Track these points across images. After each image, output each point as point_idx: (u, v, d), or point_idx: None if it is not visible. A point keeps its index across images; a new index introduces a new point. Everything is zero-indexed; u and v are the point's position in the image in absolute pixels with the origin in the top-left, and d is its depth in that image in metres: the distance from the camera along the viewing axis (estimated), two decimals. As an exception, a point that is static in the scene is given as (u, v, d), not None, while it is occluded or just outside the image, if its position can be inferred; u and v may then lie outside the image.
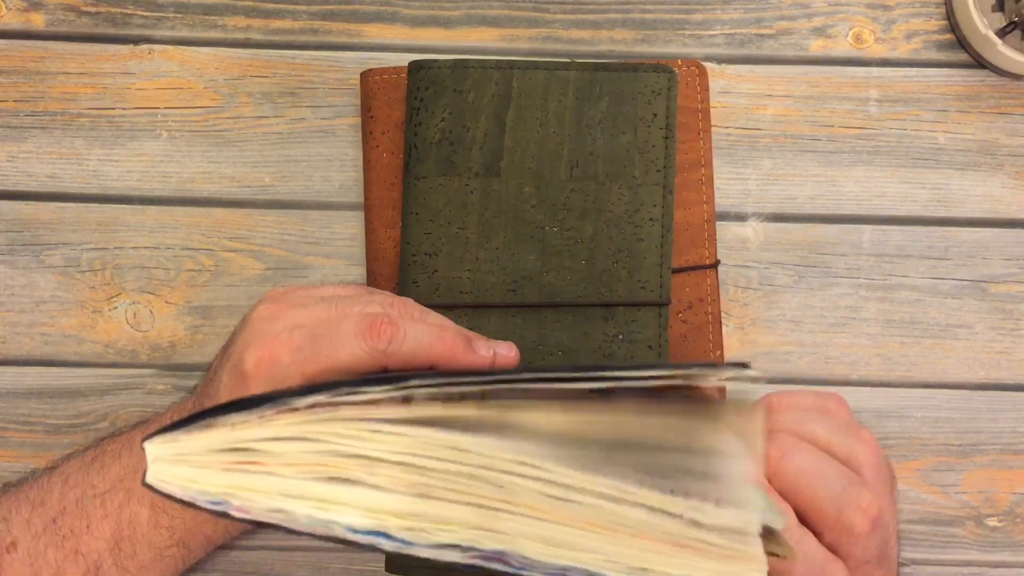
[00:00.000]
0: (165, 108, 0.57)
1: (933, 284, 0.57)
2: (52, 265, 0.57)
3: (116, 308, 0.57)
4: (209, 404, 0.46)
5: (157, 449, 0.33)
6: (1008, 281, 0.57)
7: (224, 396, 0.45)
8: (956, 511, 0.56)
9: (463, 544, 0.33)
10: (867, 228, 0.57)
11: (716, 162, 0.57)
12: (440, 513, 0.33)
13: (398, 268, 0.54)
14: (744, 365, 0.33)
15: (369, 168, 0.56)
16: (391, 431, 0.33)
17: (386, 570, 0.52)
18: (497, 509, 0.33)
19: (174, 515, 0.47)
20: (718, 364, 0.33)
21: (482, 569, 0.33)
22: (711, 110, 0.57)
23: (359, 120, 0.57)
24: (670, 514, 0.33)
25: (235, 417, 0.33)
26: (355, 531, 0.33)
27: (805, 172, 0.57)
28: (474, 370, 0.34)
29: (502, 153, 0.53)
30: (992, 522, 0.56)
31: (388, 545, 0.32)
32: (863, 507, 0.39)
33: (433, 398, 0.33)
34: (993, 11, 0.56)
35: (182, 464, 0.33)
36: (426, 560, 0.33)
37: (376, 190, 0.55)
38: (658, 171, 0.54)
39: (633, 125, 0.54)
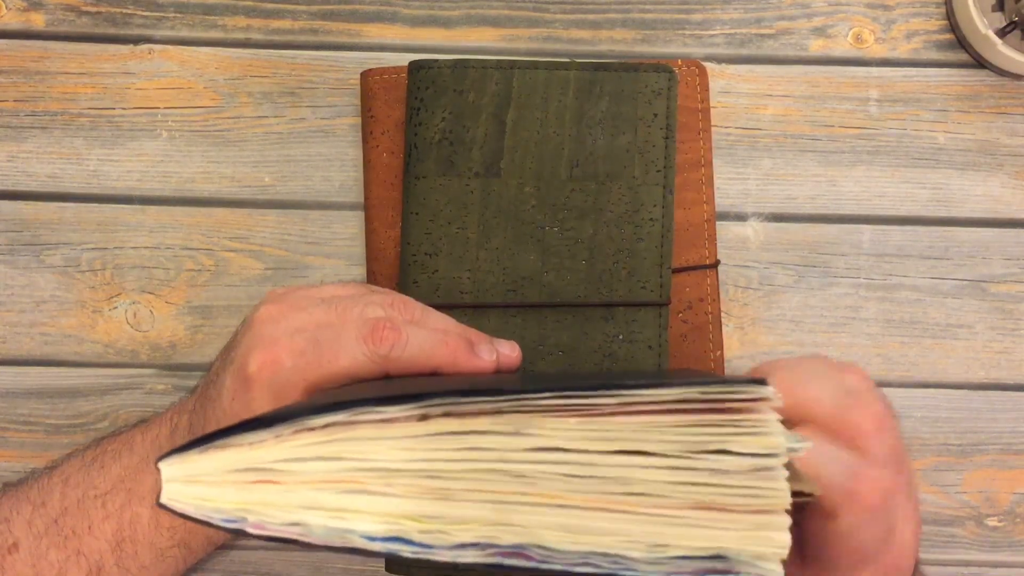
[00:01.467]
0: (165, 108, 0.57)
1: (933, 284, 0.57)
2: (52, 265, 0.57)
3: (116, 308, 0.57)
4: (211, 406, 0.46)
5: (171, 470, 0.33)
6: (1008, 281, 0.57)
7: (227, 399, 0.45)
8: (956, 511, 0.56)
9: (482, 542, 0.32)
10: (867, 228, 0.57)
11: (716, 162, 0.57)
12: (459, 513, 0.32)
13: (398, 268, 0.54)
14: (761, 382, 0.33)
15: (369, 168, 0.56)
16: (408, 445, 0.33)
17: (386, 570, 0.52)
18: (516, 503, 0.33)
19: (175, 516, 0.47)
20: (736, 380, 0.33)
21: (501, 567, 0.33)
22: (711, 110, 0.57)
23: (359, 120, 0.57)
24: (693, 468, 0.33)
25: (250, 437, 0.33)
26: (373, 539, 0.32)
27: (805, 172, 0.57)
28: (485, 385, 0.34)
29: (502, 153, 0.53)
30: (992, 522, 0.56)
31: (408, 551, 0.32)
32: (864, 406, 0.39)
33: (449, 415, 0.33)
34: (993, 11, 0.56)
35: (196, 484, 0.33)
36: (440, 564, 0.32)
37: (376, 190, 0.55)
38: (658, 171, 0.54)
39: (633, 125, 0.54)
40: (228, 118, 0.58)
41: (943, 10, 0.58)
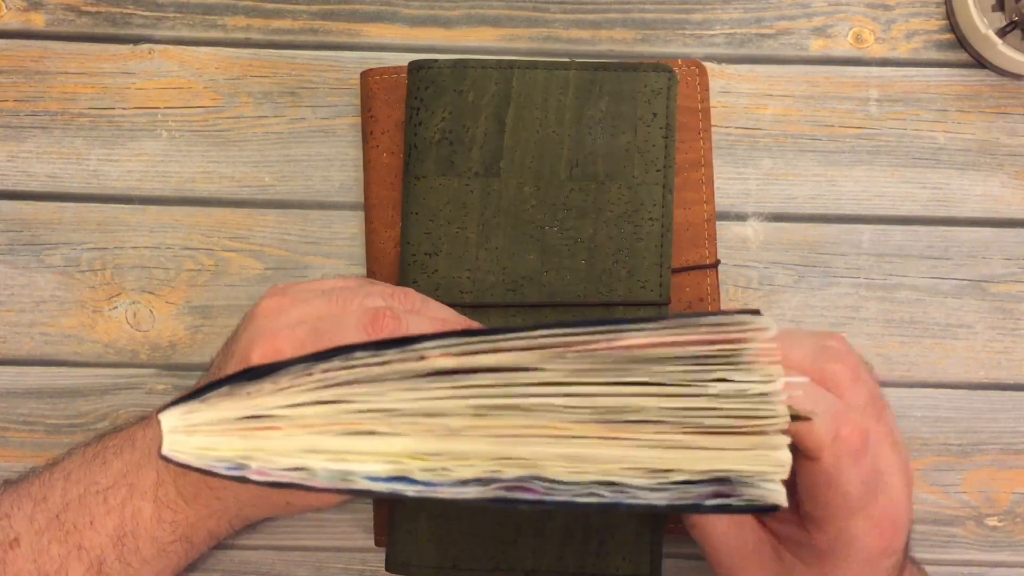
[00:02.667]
0: (165, 108, 0.58)
1: (933, 284, 0.57)
2: (52, 265, 0.57)
3: (116, 308, 0.57)
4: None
5: (172, 420, 0.33)
6: (1008, 281, 0.57)
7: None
8: (956, 511, 0.56)
9: (485, 477, 0.32)
10: (867, 228, 0.57)
11: (716, 162, 0.57)
12: (461, 448, 0.32)
13: (398, 268, 0.54)
14: (755, 312, 0.33)
15: (369, 168, 0.56)
16: (407, 385, 0.33)
17: (386, 569, 0.52)
18: (518, 436, 0.33)
19: (177, 510, 0.47)
20: (727, 312, 0.33)
21: (506, 502, 0.32)
22: (711, 110, 0.57)
23: (359, 120, 0.57)
24: (693, 395, 0.33)
25: (249, 386, 0.33)
26: (376, 479, 0.32)
27: (805, 172, 0.57)
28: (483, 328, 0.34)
29: (502, 153, 0.54)
30: (992, 522, 0.56)
31: (411, 490, 0.32)
32: (840, 359, 0.40)
33: (446, 355, 0.33)
34: (993, 11, 0.57)
35: (198, 434, 0.33)
36: (443, 501, 0.32)
37: (376, 190, 0.55)
38: (658, 171, 0.54)
39: (633, 125, 0.54)
40: (228, 118, 0.58)
41: (943, 10, 0.58)
